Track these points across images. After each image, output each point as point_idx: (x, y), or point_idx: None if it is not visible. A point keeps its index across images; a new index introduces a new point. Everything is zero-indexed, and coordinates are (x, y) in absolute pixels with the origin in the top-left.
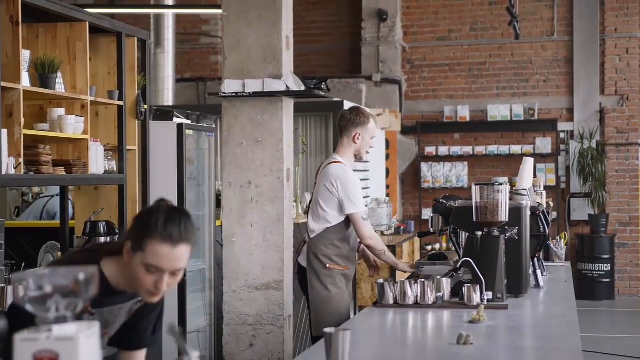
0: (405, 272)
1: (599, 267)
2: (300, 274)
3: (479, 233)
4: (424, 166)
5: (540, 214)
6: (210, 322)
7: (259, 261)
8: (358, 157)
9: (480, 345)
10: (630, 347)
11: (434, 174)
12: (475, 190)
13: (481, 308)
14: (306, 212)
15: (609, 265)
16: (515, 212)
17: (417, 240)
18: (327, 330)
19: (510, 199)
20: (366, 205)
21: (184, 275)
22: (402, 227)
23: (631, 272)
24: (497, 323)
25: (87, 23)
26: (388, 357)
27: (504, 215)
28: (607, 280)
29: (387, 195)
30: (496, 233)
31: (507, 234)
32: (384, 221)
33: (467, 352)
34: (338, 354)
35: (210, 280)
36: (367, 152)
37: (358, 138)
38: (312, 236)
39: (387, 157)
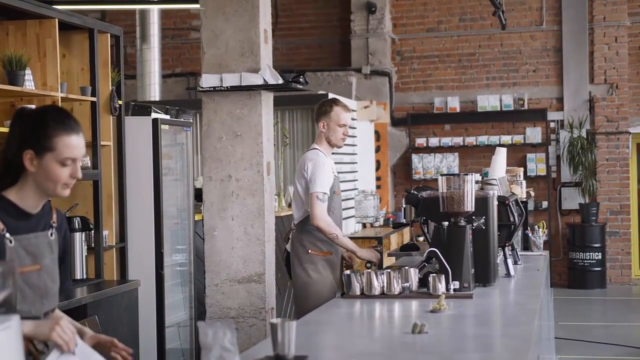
0: (365, 259)
1: (590, 255)
2: (288, 260)
3: (445, 223)
4: (415, 157)
5: (511, 203)
6: (190, 315)
7: (240, 254)
8: (332, 145)
9: (434, 333)
10: (622, 335)
11: (425, 165)
12: (441, 180)
13: (442, 297)
14: (290, 205)
15: (600, 253)
16: (482, 202)
17: (406, 231)
18: (272, 320)
19: (481, 189)
20: (351, 198)
21: (162, 269)
22: (391, 219)
23: (622, 261)
24: (458, 312)
25: (57, 20)
26: (339, 347)
27: (470, 205)
28: (599, 268)
29: (378, 187)
30: (463, 223)
31: (474, 224)
32: (371, 213)
33: (419, 341)
34: (284, 344)
35: (190, 274)
36: (342, 139)
37: (324, 126)
38: (295, 223)
39: (378, 149)
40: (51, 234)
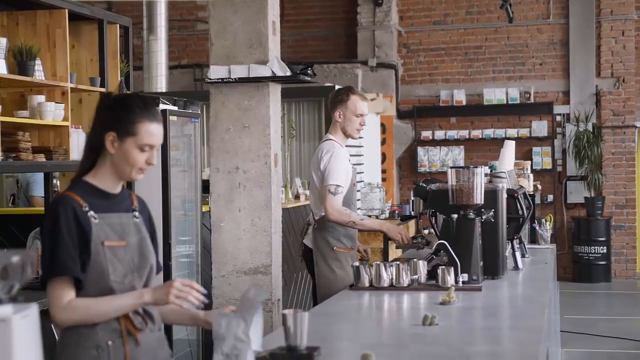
0: (394, 238)
1: (595, 249)
2: (307, 255)
3: (455, 216)
4: (421, 150)
5: (520, 196)
6: (197, 306)
7: (247, 246)
8: (348, 135)
9: (444, 325)
10: (627, 328)
11: (431, 158)
12: (450, 173)
13: (451, 290)
14: (297, 197)
15: (605, 247)
16: (492, 194)
17: (412, 223)
18: (285, 311)
19: (490, 182)
20: (358, 190)
21: (169, 259)
22: (397, 212)
23: (627, 255)
24: (468, 304)
25: (66, 10)
26: (351, 338)
27: (479, 198)
28: (604, 262)
29: (384, 179)
30: (472, 215)
31: (483, 217)
32: (377, 205)
33: (430, 333)
34: (296, 335)
35: (197, 265)
36: (358, 130)
37: (340, 116)
38: (317, 218)
39: (384, 141)
40: (135, 216)
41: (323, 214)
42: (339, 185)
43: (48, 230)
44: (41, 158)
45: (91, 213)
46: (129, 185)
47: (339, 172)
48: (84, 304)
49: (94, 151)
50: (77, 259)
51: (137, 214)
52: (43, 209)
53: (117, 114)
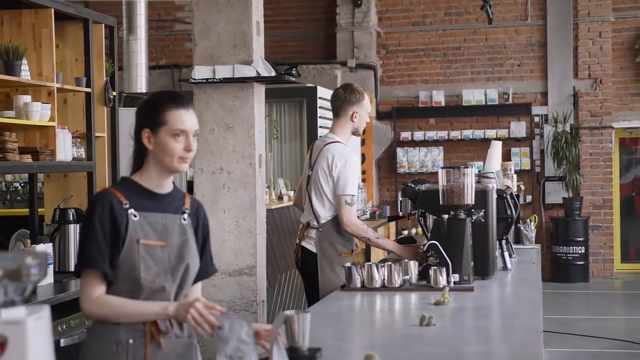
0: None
1: (573, 249)
2: (307, 258)
3: (445, 216)
4: (400, 151)
5: (508, 196)
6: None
7: (231, 247)
8: (356, 135)
9: (442, 326)
10: (605, 328)
11: (410, 159)
12: (441, 173)
13: (445, 290)
14: (280, 197)
15: (583, 247)
16: (482, 195)
17: (392, 225)
18: (287, 312)
19: (478, 182)
20: None
21: None
22: (377, 212)
23: (605, 255)
24: (462, 305)
25: (52, 9)
26: (350, 339)
27: (470, 198)
28: (582, 262)
29: (363, 180)
30: (462, 216)
31: (474, 217)
32: (358, 206)
33: (429, 333)
34: (299, 336)
35: None
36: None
37: (355, 116)
38: (322, 222)
39: (363, 142)
40: (184, 219)
41: (330, 218)
42: (354, 195)
43: (84, 224)
44: (28, 159)
45: (131, 211)
46: None
47: (354, 180)
48: (112, 302)
49: (140, 154)
50: (106, 254)
51: (186, 216)
52: (28, 210)
53: (147, 111)
